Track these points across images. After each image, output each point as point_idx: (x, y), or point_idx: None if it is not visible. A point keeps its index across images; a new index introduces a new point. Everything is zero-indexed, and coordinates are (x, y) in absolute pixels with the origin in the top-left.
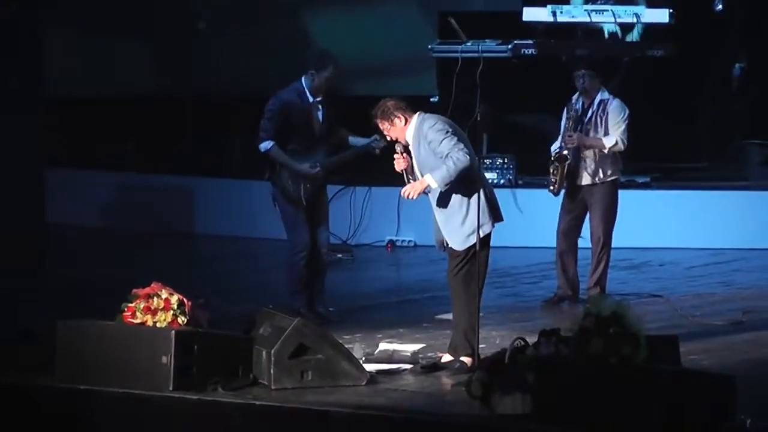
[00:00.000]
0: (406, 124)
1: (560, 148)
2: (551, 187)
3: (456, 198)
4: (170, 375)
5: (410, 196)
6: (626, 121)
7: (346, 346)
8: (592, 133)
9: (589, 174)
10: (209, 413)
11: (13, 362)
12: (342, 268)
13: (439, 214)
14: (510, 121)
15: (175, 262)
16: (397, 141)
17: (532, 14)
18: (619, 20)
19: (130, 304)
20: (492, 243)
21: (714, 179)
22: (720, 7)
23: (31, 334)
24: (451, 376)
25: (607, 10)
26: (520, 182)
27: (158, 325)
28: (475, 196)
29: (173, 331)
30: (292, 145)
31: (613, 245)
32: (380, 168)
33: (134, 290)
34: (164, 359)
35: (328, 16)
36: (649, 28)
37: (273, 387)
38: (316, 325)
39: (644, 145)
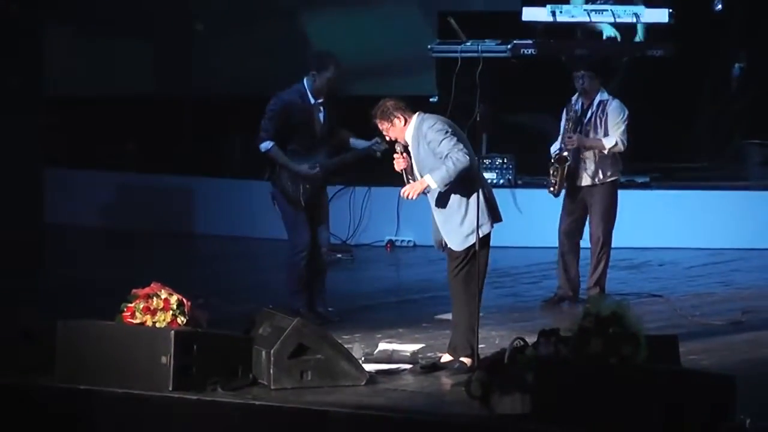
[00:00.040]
0: (405, 124)
1: (560, 149)
2: (551, 189)
3: (455, 198)
4: (170, 375)
5: (410, 197)
6: (626, 122)
7: (346, 346)
8: (591, 134)
9: (588, 175)
10: (209, 413)
11: (13, 362)
12: (341, 268)
13: (438, 214)
14: (509, 121)
15: (175, 262)
16: (396, 141)
17: (531, 14)
18: (618, 20)
19: (129, 305)
20: (491, 243)
21: (713, 179)
22: (719, 6)
23: (31, 334)
24: (451, 376)
25: (607, 10)
26: (519, 182)
27: (158, 325)
28: (474, 196)
29: (173, 331)
30: (293, 146)
31: (612, 245)
32: (380, 168)
33: (134, 290)
34: (164, 359)
35: (327, 16)
36: (649, 28)
37: (272, 387)
38: (315, 325)
39: (644, 145)
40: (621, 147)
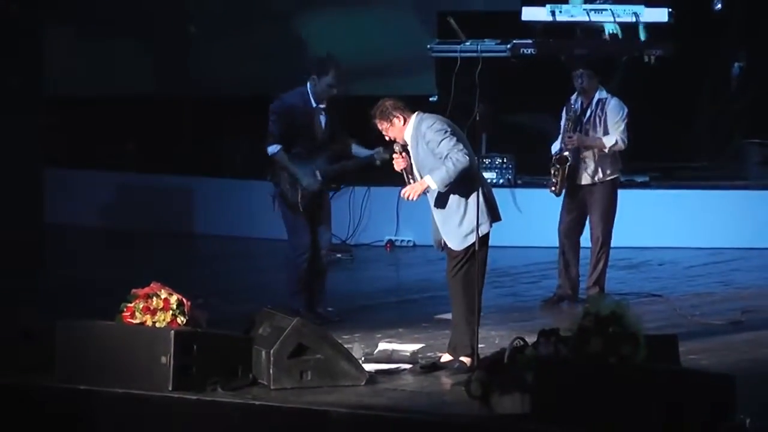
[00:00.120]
0: (404, 123)
1: (560, 149)
2: (552, 188)
3: (454, 198)
4: (169, 375)
5: (410, 198)
6: (625, 120)
7: (346, 345)
8: (591, 133)
9: (588, 174)
10: (208, 413)
11: (13, 362)
12: (341, 268)
13: (437, 214)
14: (509, 120)
15: (175, 262)
16: (395, 141)
17: (531, 14)
18: (618, 19)
19: (129, 304)
20: (491, 243)
21: (713, 179)
22: (719, 6)
23: (31, 334)
24: (451, 376)
25: (606, 10)
26: (519, 182)
27: (157, 325)
28: (474, 195)
29: (172, 331)
30: (296, 149)
31: (612, 245)
32: (379, 168)
33: (133, 290)
34: (163, 359)
35: (327, 16)
36: (649, 28)
37: (272, 387)
38: (315, 325)
39: (643, 145)
40: (621, 145)
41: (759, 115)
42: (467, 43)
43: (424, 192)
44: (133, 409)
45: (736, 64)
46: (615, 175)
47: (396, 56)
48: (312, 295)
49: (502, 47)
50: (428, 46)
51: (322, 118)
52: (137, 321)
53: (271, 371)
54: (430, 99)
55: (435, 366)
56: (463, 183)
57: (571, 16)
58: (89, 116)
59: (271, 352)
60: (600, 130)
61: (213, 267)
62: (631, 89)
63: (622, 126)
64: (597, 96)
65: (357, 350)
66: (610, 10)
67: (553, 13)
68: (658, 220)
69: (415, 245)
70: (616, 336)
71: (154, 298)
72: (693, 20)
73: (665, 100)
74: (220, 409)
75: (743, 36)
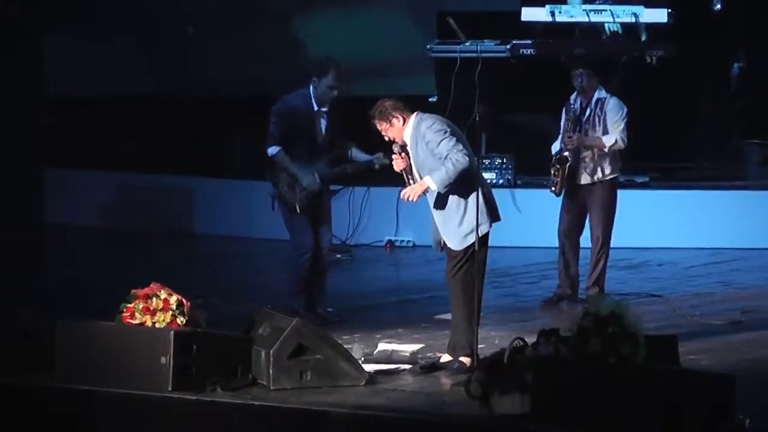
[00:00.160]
0: (404, 124)
1: (560, 149)
2: (553, 188)
3: (454, 198)
4: (169, 375)
5: (410, 199)
6: (625, 119)
7: (345, 346)
8: (590, 132)
9: (588, 173)
10: (208, 413)
11: (13, 362)
12: (341, 268)
13: (437, 214)
14: (508, 121)
15: (175, 262)
16: (394, 141)
17: (530, 14)
18: (617, 20)
19: (129, 305)
20: (490, 243)
21: (713, 179)
22: (719, 6)
23: (31, 334)
24: (450, 377)
25: (606, 10)
26: (518, 182)
27: (157, 325)
28: (473, 195)
29: (172, 332)
30: (296, 151)
31: (612, 245)
32: (379, 171)
33: (133, 291)
34: (163, 360)
35: (326, 16)
36: (649, 29)
37: (272, 387)
38: (315, 325)
39: (643, 145)
40: (621, 144)
41: (759, 116)
42: (467, 44)
43: (424, 192)
44: (132, 409)
45: (735, 65)
46: (614, 175)
47: (395, 56)
48: (312, 295)
49: (502, 47)
50: (428, 46)
51: (323, 122)
52: (137, 321)
53: (270, 371)
54: (430, 99)
55: (434, 366)
56: (463, 183)
57: (571, 16)
58: (89, 116)
59: (271, 352)
60: (599, 130)
61: (213, 267)
62: (631, 89)
63: (622, 125)
64: (596, 95)
65: (357, 350)
66: (610, 10)
67: (552, 13)
68: (657, 221)
69: (414, 245)
70: (615, 336)
71: (154, 299)
72: (693, 20)
73: (665, 101)
74: (220, 409)
75: (743, 36)
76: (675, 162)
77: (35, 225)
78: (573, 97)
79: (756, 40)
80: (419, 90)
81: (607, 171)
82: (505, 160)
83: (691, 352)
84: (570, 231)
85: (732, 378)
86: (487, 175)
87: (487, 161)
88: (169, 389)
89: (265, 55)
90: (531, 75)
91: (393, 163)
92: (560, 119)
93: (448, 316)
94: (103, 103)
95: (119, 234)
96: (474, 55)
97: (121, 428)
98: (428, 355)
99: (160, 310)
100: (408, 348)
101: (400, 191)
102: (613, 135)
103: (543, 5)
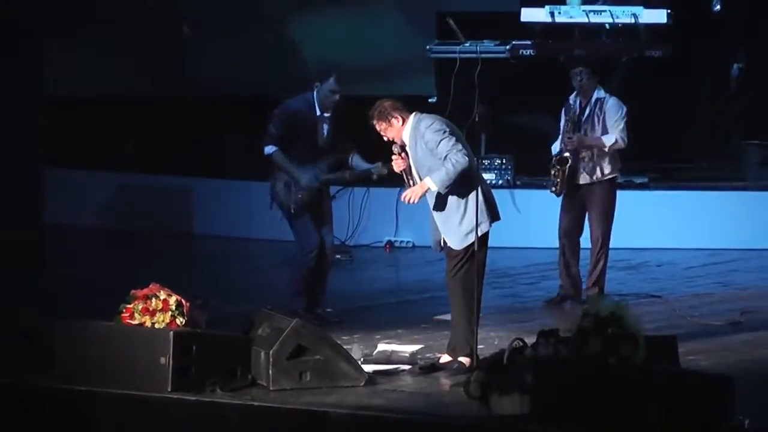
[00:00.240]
0: (403, 124)
1: (561, 150)
2: (553, 189)
3: (454, 198)
4: (169, 376)
5: (411, 201)
6: (624, 119)
7: (345, 346)
8: (589, 132)
9: (587, 173)
10: (207, 414)
11: (13, 362)
12: (340, 268)
13: (437, 214)
14: (508, 121)
15: (174, 263)
16: (393, 141)
17: (530, 15)
18: (617, 20)
19: (128, 305)
20: (490, 243)
21: (712, 179)
22: (718, 7)
23: (31, 334)
24: (450, 377)
25: (605, 11)
26: (518, 183)
27: (156, 326)
28: (473, 195)
29: (171, 332)
30: (294, 153)
31: (611, 246)
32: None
33: (132, 291)
34: (163, 360)
35: (326, 17)
36: (647, 30)
37: (271, 388)
38: (314, 325)
39: (642, 146)
40: (621, 144)
41: (758, 116)
42: (466, 44)
43: (424, 193)
44: (132, 409)
45: (735, 65)
46: (614, 175)
47: (395, 57)
48: (312, 295)
49: (501, 48)
50: (427, 46)
51: (325, 127)
52: (136, 322)
53: (270, 372)
54: (430, 100)
55: (434, 367)
56: (463, 183)
57: (570, 17)
58: (89, 116)
59: (271, 353)
60: (599, 129)
61: (212, 267)
62: (631, 89)
63: (622, 125)
64: (595, 95)
65: (356, 351)
66: (609, 11)
67: (552, 14)
68: (656, 221)
69: (414, 246)
70: (615, 337)
71: (153, 299)
72: (692, 21)
73: (664, 101)
74: (219, 410)
75: (742, 37)
76: (674, 162)
77: (35, 225)
78: (572, 97)
79: (755, 40)
80: (419, 90)
81: (607, 171)
82: (504, 161)
83: (691, 353)
84: (570, 231)
85: (731, 378)
86: (487, 176)
87: (486, 162)
88: (169, 390)
89: (265, 56)
90: (530, 75)
91: (393, 163)
92: (560, 120)
93: (447, 317)
94: (103, 103)
95: (119, 234)
96: (473, 55)
97: (121, 429)
98: (428, 355)
99: (160, 310)
100: (407, 348)
101: (400, 192)
102: (613, 135)
103: (542, 6)
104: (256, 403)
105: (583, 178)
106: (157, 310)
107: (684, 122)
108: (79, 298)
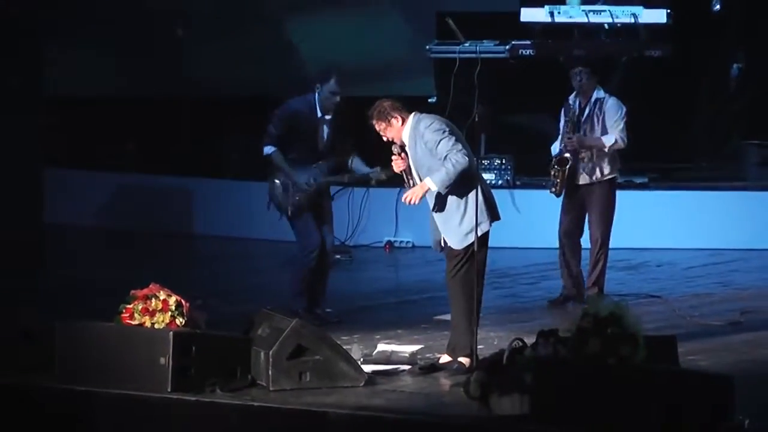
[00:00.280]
0: (402, 124)
1: (561, 150)
2: (553, 189)
3: (454, 198)
4: (168, 376)
5: (411, 202)
6: (624, 119)
7: (345, 347)
8: (589, 132)
9: (586, 173)
10: (207, 414)
11: (13, 362)
12: (340, 268)
13: (437, 214)
14: (508, 121)
15: (174, 263)
16: (393, 142)
17: (529, 15)
18: (616, 20)
19: (128, 306)
20: (490, 243)
21: (712, 179)
22: (718, 7)
23: (31, 334)
24: (450, 377)
25: (605, 11)
26: (518, 183)
27: (156, 326)
28: (473, 194)
29: (171, 333)
30: (294, 154)
31: (611, 246)
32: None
33: (132, 291)
34: (162, 360)
35: (326, 17)
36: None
37: (271, 388)
38: (314, 326)
39: (642, 146)
40: (621, 144)
41: (757, 116)
42: (466, 44)
43: (424, 194)
44: (131, 410)
45: (734, 65)
46: (613, 175)
47: (395, 57)
48: (313, 295)
49: (501, 48)
50: (427, 47)
51: (326, 129)
52: (136, 322)
53: (270, 372)
54: (429, 100)
55: (434, 367)
56: (463, 183)
57: (570, 17)
58: (89, 116)
59: (270, 353)
60: (598, 129)
61: (212, 268)
62: (630, 89)
63: (621, 125)
64: (595, 95)
65: (356, 351)
66: (609, 11)
67: (551, 14)
68: (656, 221)
69: (414, 246)
70: (615, 337)
71: (153, 300)
72: (692, 21)
73: (664, 101)
74: (219, 410)
75: (742, 37)
76: (674, 162)
77: (35, 225)
78: (572, 97)
79: (755, 40)
80: (418, 91)
81: (606, 171)
82: (504, 161)
83: (691, 353)
84: (570, 231)
85: (731, 378)
86: (487, 176)
87: (486, 162)
88: (169, 390)
89: (265, 56)
90: (530, 75)
91: (392, 163)
92: (559, 120)
93: (447, 317)
94: (103, 103)
95: (119, 234)
96: (473, 55)
97: (121, 429)
98: (427, 355)
99: (159, 310)
100: (407, 349)
101: (400, 192)
102: (612, 135)
103: (542, 6)
104: (255, 404)
105: (583, 179)
106: (156, 310)
107: (684, 122)
108: (79, 298)
